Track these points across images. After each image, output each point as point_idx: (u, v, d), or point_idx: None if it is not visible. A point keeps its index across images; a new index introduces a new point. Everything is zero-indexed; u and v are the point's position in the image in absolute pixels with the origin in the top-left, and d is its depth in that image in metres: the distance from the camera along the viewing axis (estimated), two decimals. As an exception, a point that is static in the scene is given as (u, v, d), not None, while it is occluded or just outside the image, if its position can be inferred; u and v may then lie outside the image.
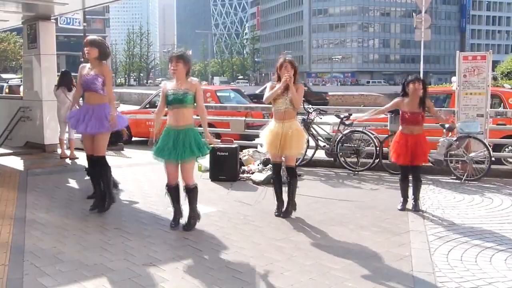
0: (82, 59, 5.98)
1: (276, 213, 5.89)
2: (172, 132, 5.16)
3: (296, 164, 6.26)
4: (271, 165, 6.01)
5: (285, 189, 5.98)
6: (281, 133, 5.64)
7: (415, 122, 6.12)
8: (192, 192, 5.30)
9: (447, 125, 8.11)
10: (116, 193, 6.62)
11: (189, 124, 5.20)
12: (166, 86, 5.30)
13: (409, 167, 6.21)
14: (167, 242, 4.92)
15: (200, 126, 5.44)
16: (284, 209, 5.88)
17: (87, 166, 6.27)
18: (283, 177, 6.12)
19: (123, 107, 12.20)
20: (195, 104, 5.27)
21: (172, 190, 5.34)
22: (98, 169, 6.01)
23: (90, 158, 6.11)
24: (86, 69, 5.89)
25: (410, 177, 6.27)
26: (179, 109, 5.15)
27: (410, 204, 6.28)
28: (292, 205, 5.90)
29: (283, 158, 5.92)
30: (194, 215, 5.33)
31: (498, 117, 8.90)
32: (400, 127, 6.26)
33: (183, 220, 5.43)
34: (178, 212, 5.43)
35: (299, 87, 5.71)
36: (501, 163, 8.92)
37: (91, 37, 6.01)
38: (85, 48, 5.84)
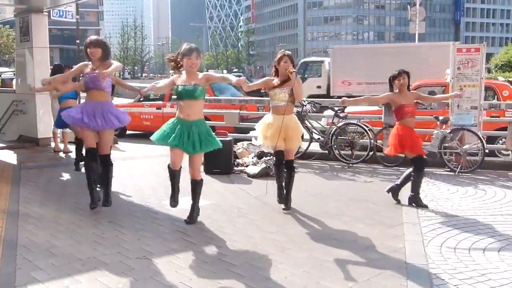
0: (87, 59, 5.86)
1: (279, 201, 5.99)
2: (184, 123, 5.11)
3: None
4: (274, 154, 6.02)
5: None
6: (282, 127, 5.65)
7: (413, 114, 6.14)
8: (198, 185, 5.32)
9: (441, 118, 8.13)
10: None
11: (200, 118, 5.21)
12: (177, 78, 5.26)
13: None
14: (160, 235, 4.91)
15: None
16: (284, 203, 5.91)
17: (84, 159, 6.02)
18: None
19: (117, 101, 12.11)
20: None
21: (176, 174, 5.29)
22: (105, 168, 5.96)
23: (90, 151, 5.84)
24: (88, 68, 5.80)
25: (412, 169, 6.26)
26: (190, 102, 5.15)
27: (408, 195, 6.30)
28: (289, 200, 5.94)
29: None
30: (196, 208, 5.36)
31: (492, 109, 8.91)
32: (398, 121, 6.08)
33: (179, 209, 5.42)
34: (176, 190, 5.35)
35: (299, 80, 5.77)
36: (494, 155, 8.94)
37: (93, 37, 5.94)
38: (89, 49, 5.75)
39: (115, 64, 5.75)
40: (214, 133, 5.56)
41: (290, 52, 5.85)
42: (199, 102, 5.22)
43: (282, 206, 5.88)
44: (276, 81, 5.80)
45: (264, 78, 6.16)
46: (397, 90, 6.07)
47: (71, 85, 7.35)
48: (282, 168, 5.98)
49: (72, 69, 6.32)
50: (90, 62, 5.84)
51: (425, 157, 6.24)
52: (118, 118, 5.81)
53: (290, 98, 5.70)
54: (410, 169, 6.12)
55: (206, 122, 5.33)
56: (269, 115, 5.93)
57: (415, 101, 6.30)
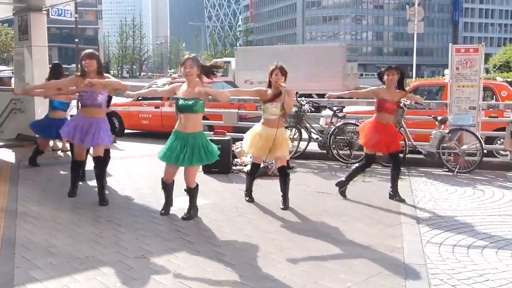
0: (79, 73, 6.03)
1: (248, 199, 6.18)
2: (180, 136, 5.23)
3: (288, 157, 6.36)
4: (252, 165, 6.26)
5: (275, 182, 6.05)
6: (273, 139, 5.77)
7: (392, 112, 6.34)
8: (193, 191, 5.45)
9: (439, 118, 8.14)
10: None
11: (198, 131, 5.29)
12: (178, 88, 5.35)
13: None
14: (159, 234, 4.91)
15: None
16: (282, 202, 5.94)
17: (71, 166, 6.36)
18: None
19: (116, 99, 12.11)
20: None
21: (168, 187, 5.51)
22: (99, 168, 6.04)
23: (76, 163, 6.28)
24: (82, 84, 5.84)
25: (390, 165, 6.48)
26: (189, 115, 5.23)
27: (406, 195, 6.31)
28: (287, 199, 5.98)
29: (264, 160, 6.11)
30: (194, 207, 5.46)
31: (490, 109, 8.92)
32: (376, 114, 6.29)
33: (177, 209, 5.44)
34: (169, 202, 5.59)
35: (290, 93, 5.86)
36: (493, 156, 8.95)
37: (88, 50, 6.08)
38: (84, 61, 5.87)
39: (112, 79, 5.96)
40: (212, 133, 5.60)
41: (282, 64, 5.92)
42: (198, 115, 5.32)
43: (281, 205, 5.89)
44: (269, 92, 5.91)
45: (256, 88, 6.26)
46: (384, 86, 6.24)
47: (64, 96, 7.57)
48: (254, 177, 6.24)
49: (64, 80, 6.54)
50: (78, 78, 5.94)
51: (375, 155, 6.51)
52: (110, 136, 6.05)
53: (282, 112, 5.84)
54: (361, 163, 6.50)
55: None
56: (259, 125, 6.02)
57: (402, 99, 6.42)
